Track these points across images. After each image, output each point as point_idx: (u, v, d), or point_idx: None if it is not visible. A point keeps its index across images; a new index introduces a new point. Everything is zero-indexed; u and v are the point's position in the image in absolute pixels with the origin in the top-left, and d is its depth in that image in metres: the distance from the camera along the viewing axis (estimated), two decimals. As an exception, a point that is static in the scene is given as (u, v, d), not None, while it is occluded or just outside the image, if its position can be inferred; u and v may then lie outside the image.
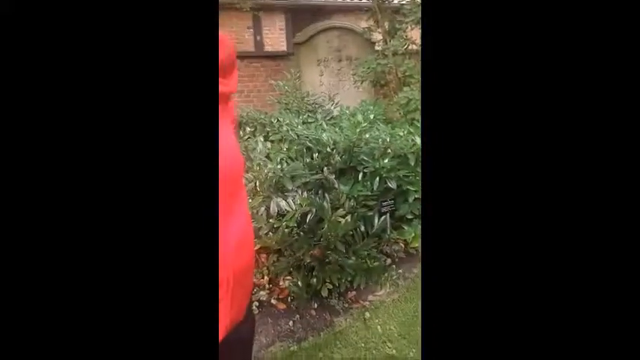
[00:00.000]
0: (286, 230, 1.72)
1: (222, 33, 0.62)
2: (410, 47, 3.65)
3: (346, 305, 1.84)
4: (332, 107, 3.03)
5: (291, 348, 1.61)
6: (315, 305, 1.83)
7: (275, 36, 6.00)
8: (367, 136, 2.12)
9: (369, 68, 3.70)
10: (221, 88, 0.63)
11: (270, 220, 1.74)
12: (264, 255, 1.90)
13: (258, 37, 5.84)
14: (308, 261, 1.77)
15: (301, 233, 1.76)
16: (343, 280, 1.84)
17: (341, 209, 1.78)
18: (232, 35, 5.54)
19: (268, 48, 5.91)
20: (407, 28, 3.63)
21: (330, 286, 1.81)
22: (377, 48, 4.20)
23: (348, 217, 1.77)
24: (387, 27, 3.91)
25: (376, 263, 1.91)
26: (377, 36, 4.15)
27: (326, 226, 1.73)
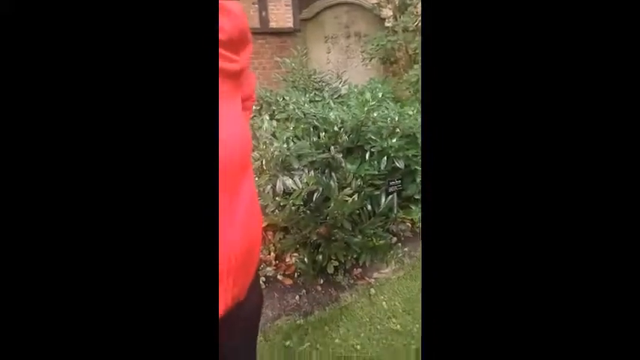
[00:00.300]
0: (293, 208, 1.74)
1: (234, 2, 0.58)
2: (420, 24, 3.57)
3: (352, 282, 1.87)
4: (339, 85, 2.98)
5: (298, 321, 1.65)
6: (321, 281, 1.86)
7: (281, 12, 5.85)
8: (375, 114, 2.10)
9: (378, 45, 3.62)
10: (231, 66, 0.58)
11: (277, 199, 1.76)
12: (271, 232, 1.93)
13: (264, 13, 5.72)
14: (314, 238, 1.80)
15: (308, 211, 1.78)
16: (349, 258, 1.87)
17: (348, 188, 1.79)
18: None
19: (274, 24, 5.77)
20: (417, 3, 3.53)
21: (336, 263, 1.84)
22: (387, 24, 4.09)
23: (355, 196, 1.78)
24: (397, 3, 3.80)
25: (382, 241, 1.93)
26: (387, 12, 4.03)
27: (332, 204, 1.75)
